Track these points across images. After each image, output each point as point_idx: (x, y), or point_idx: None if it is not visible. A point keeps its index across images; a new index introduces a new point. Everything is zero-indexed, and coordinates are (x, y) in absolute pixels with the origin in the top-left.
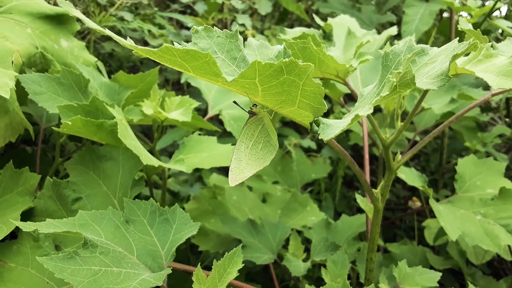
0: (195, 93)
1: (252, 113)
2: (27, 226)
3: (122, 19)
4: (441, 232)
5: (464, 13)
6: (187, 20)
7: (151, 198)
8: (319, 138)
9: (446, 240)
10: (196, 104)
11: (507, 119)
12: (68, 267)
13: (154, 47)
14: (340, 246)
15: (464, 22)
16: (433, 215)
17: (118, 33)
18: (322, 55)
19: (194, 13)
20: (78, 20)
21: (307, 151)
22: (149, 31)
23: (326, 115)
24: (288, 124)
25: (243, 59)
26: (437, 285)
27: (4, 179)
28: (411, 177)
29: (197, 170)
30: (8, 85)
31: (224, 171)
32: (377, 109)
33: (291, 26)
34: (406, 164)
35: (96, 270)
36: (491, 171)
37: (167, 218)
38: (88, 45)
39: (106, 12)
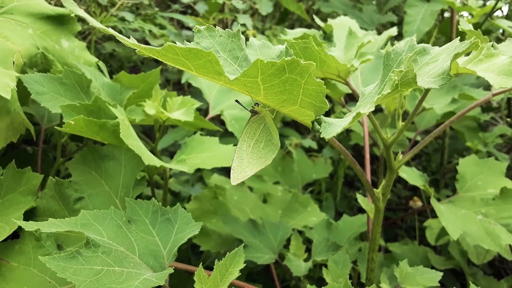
0: (196, 93)
1: (254, 112)
2: (29, 226)
3: (123, 19)
4: (443, 232)
5: (465, 13)
6: (188, 20)
7: (153, 198)
8: (321, 136)
9: (447, 240)
10: (198, 104)
11: (508, 119)
12: (70, 266)
13: (155, 47)
14: (341, 246)
15: (465, 23)
16: (434, 215)
17: (119, 33)
18: (324, 55)
19: (195, 13)
20: (80, 20)
21: (308, 151)
22: (150, 31)
23: (327, 115)
24: (289, 124)
25: (245, 59)
26: (438, 285)
27: (6, 179)
28: (413, 176)
29: (198, 170)
30: (9, 86)
31: (225, 171)
32: (378, 109)
33: (292, 26)
34: (407, 164)
35: (98, 270)
36: (492, 171)
37: (169, 218)
38: (89, 45)
39: (107, 13)
